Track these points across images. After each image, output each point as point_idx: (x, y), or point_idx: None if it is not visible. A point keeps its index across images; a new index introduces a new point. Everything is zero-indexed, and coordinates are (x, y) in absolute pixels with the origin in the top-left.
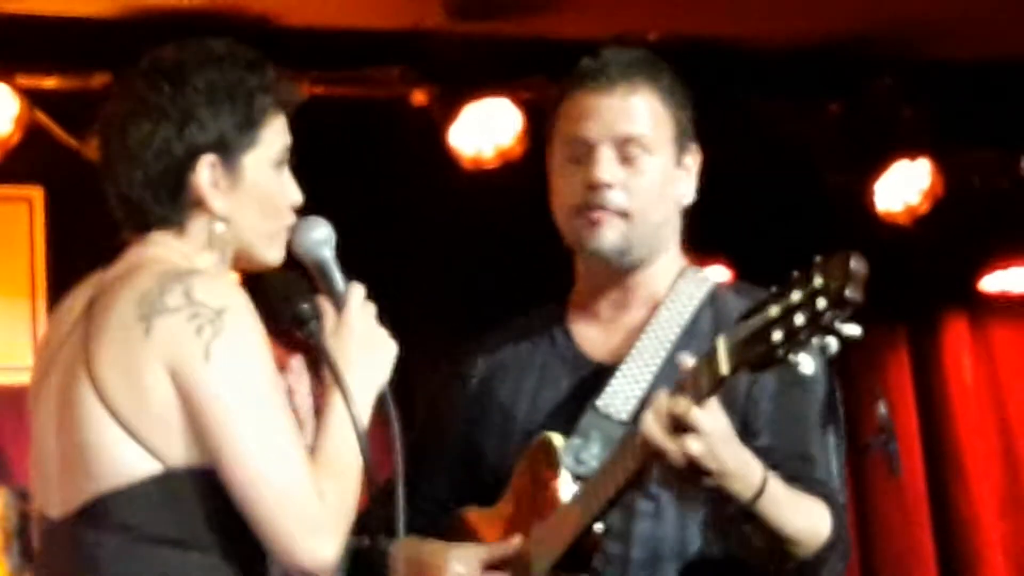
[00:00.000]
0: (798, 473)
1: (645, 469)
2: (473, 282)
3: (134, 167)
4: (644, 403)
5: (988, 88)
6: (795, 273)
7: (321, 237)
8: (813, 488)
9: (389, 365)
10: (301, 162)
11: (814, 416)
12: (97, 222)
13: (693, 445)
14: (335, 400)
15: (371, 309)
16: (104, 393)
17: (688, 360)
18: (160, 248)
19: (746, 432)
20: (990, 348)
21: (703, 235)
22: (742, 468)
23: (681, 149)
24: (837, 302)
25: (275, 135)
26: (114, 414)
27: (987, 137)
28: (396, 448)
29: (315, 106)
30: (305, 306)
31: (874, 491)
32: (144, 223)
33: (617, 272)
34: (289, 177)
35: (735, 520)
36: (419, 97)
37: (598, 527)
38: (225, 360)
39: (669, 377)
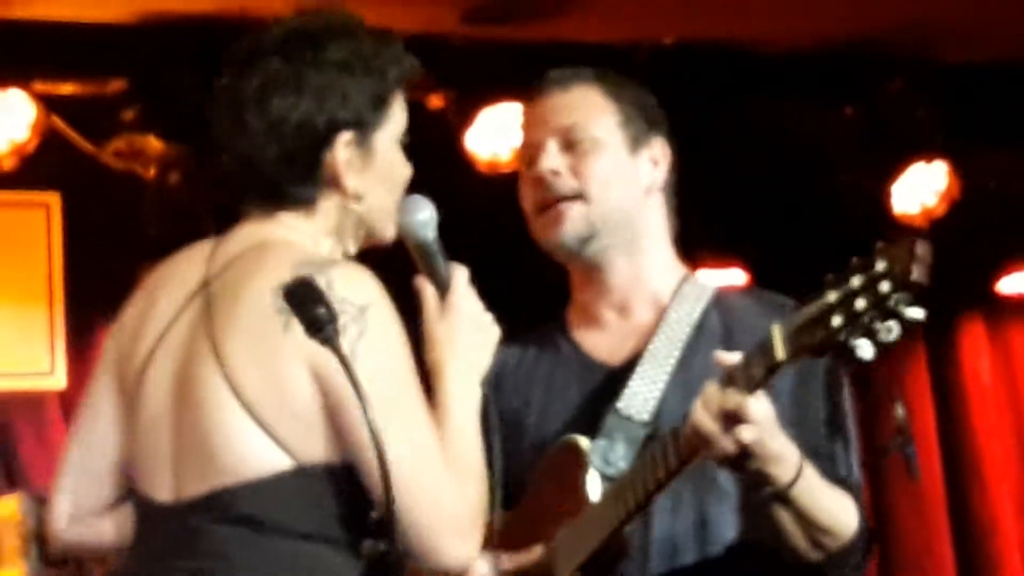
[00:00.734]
0: (820, 470)
1: (688, 461)
2: (489, 285)
3: (270, 140)
4: (662, 403)
5: (1004, 90)
6: (854, 259)
7: (426, 218)
8: (836, 484)
9: (493, 348)
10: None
11: (833, 413)
12: (114, 228)
13: (745, 434)
14: (449, 399)
15: (474, 292)
16: (237, 384)
17: (728, 356)
18: (286, 229)
19: None
20: (1007, 350)
21: (719, 238)
22: (783, 451)
23: (634, 139)
24: (903, 285)
25: (400, 110)
26: (247, 407)
27: (1003, 139)
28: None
29: None
30: (321, 310)
31: (891, 492)
32: (271, 198)
33: (597, 267)
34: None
35: (770, 505)
36: (435, 101)
37: (628, 528)
38: (370, 360)
39: (684, 377)
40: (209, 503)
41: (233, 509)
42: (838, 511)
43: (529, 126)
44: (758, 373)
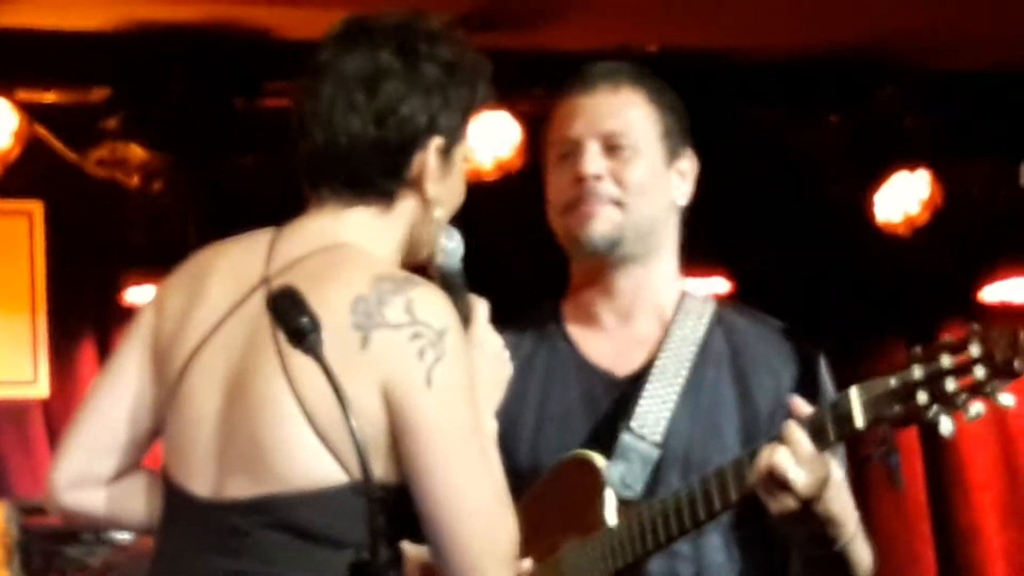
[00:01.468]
0: None
1: (743, 502)
2: (473, 292)
3: (373, 125)
4: (671, 425)
5: (987, 99)
6: (946, 338)
7: (455, 248)
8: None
9: (505, 385)
10: (299, 174)
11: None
12: (97, 236)
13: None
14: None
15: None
16: (302, 395)
17: (803, 405)
18: (359, 231)
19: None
20: None
21: (704, 246)
22: (845, 514)
23: (671, 151)
24: (1002, 373)
25: (472, 128)
26: (310, 418)
27: (986, 148)
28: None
29: None
30: (304, 320)
31: (875, 501)
32: (353, 185)
33: (611, 270)
34: None
35: (828, 562)
36: None
37: (654, 568)
38: (446, 387)
39: (692, 399)
40: (258, 507)
41: (284, 516)
42: (869, 556)
43: (570, 120)
44: (833, 433)
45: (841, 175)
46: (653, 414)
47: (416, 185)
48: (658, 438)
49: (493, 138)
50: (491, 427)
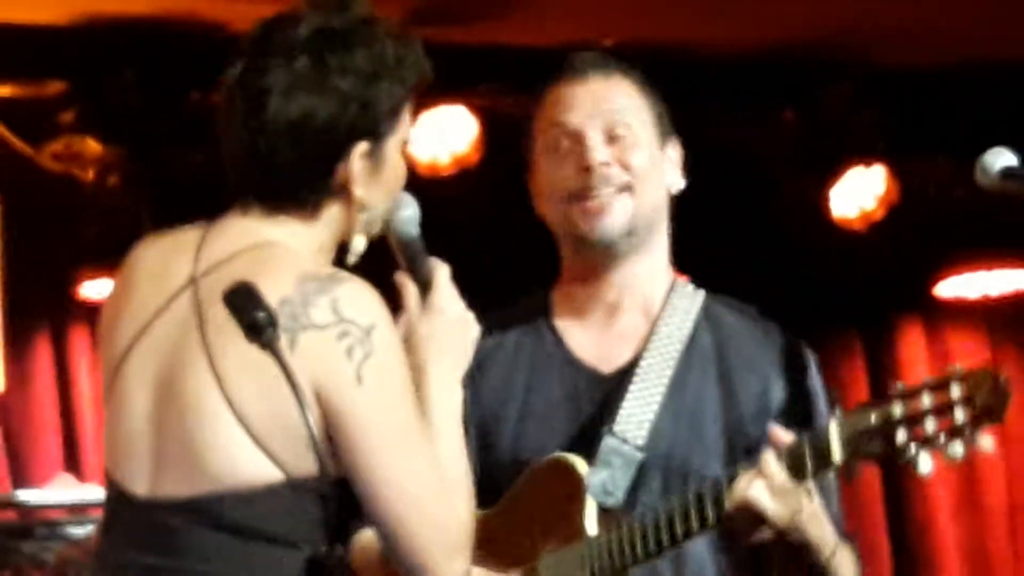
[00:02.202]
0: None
1: (724, 525)
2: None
3: (289, 141)
4: (655, 428)
5: (942, 95)
6: (927, 379)
7: (410, 215)
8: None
9: (473, 347)
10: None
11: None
12: (52, 230)
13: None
14: (432, 407)
15: (455, 289)
16: (231, 395)
17: (783, 435)
18: (285, 233)
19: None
20: (945, 353)
21: None
22: (822, 540)
23: (662, 137)
24: (983, 416)
25: (408, 113)
26: (241, 420)
27: (942, 144)
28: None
29: None
30: (260, 314)
31: None
32: (276, 197)
33: (609, 261)
34: None
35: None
36: None
37: (635, 571)
38: (377, 383)
39: (676, 401)
40: (193, 506)
41: (219, 515)
42: (849, 570)
43: (565, 108)
44: (811, 467)
45: (796, 171)
46: (636, 416)
47: (343, 191)
48: (640, 442)
49: (450, 133)
50: (458, 396)
